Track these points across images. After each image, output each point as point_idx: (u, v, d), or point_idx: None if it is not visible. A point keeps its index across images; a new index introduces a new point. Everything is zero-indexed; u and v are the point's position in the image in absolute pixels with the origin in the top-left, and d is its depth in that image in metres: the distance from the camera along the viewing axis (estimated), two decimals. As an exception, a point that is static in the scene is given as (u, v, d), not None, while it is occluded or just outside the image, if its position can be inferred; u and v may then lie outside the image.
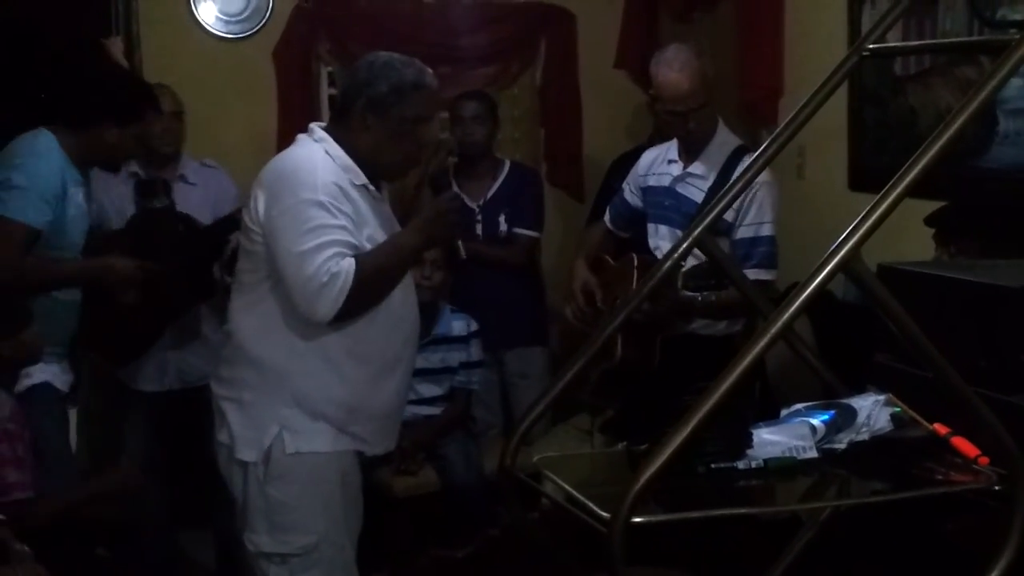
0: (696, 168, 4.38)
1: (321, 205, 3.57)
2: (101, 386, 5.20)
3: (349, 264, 3.55)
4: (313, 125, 3.82)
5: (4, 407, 3.91)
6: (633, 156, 5.41)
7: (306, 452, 3.72)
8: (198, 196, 5.02)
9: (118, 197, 4.98)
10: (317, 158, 3.68)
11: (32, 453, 4.02)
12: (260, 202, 3.66)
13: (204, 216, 4.88)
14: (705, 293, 4.18)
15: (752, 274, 4.05)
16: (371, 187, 3.75)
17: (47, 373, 4.37)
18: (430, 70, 3.81)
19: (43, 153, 4.27)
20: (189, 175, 5.11)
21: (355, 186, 3.69)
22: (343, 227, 3.59)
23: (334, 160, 3.68)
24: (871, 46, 2.66)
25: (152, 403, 5.03)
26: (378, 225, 3.76)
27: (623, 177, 4.90)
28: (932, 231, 4.00)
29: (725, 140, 4.41)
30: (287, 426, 3.70)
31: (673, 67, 4.34)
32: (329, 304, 3.55)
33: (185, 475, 5.22)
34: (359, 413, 3.78)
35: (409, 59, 3.78)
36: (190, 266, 4.70)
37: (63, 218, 4.29)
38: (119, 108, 4.41)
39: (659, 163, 4.59)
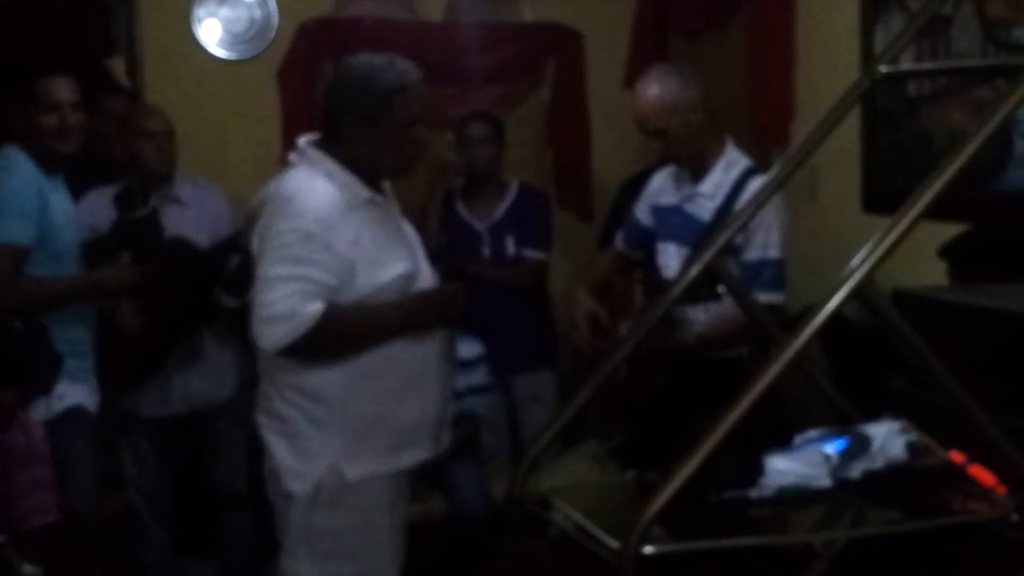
0: (704, 188, 4.37)
1: (307, 236, 3.52)
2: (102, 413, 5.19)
3: (315, 310, 3.51)
4: (304, 145, 3.73)
5: (36, 431, 3.90)
6: (642, 179, 5.39)
7: (365, 478, 3.67)
8: (193, 217, 4.93)
9: (111, 219, 4.92)
10: (316, 182, 3.62)
11: (56, 477, 4.01)
12: (262, 228, 3.64)
13: (201, 237, 4.80)
14: (699, 331, 4.19)
15: (760, 297, 4.04)
16: (377, 198, 3.70)
17: (78, 395, 4.34)
18: (411, 65, 3.72)
19: (12, 167, 4.24)
20: (184, 196, 5.01)
21: (359, 202, 3.64)
22: (323, 264, 3.53)
23: (333, 181, 3.63)
24: (884, 69, 2.64)
25: (156, 429, 4.99)
26: (386, 236, 3.70)
27: (633, 200, 4.89)
28: (946, 262, 3.95)
29: (733, 161, 4.38)
30: (344, 454, 3.65)
31: (640, 89, 4.39)
32: (274, 338, 3.52)
33: (189, 503, 5.20)
34: (399, 426, 3.72)
35: (387, 61, 3.68)
36: (191, 290, 4.67)
37: (51, 227, 4.27)
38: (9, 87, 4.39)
39: (669, 182, 4.58)
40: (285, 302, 3.48)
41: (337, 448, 3.66)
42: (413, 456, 3.78)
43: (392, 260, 3.68)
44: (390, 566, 3.83)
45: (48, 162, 4.32)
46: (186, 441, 5.06)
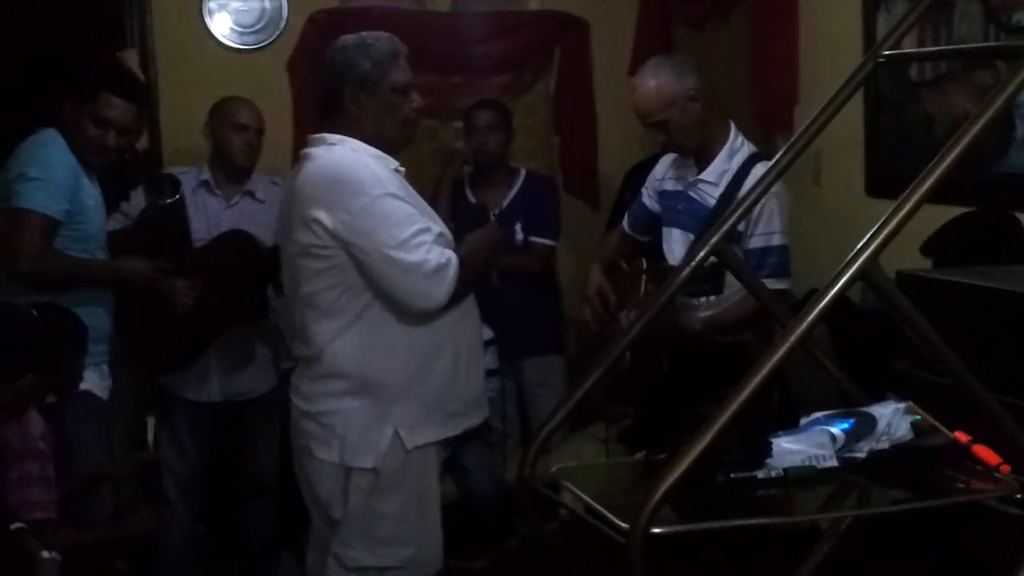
0: (708, 175, 4.40)
1: (395, 196, 3.67)
2: (137, 392, 5.25)
3: (452, 254, 3.70)
4: (317, 136, 3.85)
5: (37, 426, 3.93)
6: (648, 165, 5.43)
7: (424, 445, 3.80)
8: (265, 213, 4.98)
9: (207, 210, 5.01)
10: (351, 157, 3.74)
11: (61, 466, 4.04)
12: (322, 215, 3.66)
13: (268, 234, 4.86)
14: (705, 315, 4.23)
15: (765, 283, 4.06)
16: (401, 169, 3.85)
17: (88, 380, 4.39)
18: (397, 39, 3.91)
19: (50, 144, 4.37)
20: (258, 192, 5.08)
21: (389, 171, 3.78)
22: (418, 211, 3.73)
23: (359, 153, 3.74)
24: (886, 52, 2.65)
25: (193, 414, 5.03)
26: (417, 200, 3.85)
27: (638, 186, 4.92)
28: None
29: (737, 147, 4.40)
30: (403, 424, 3.76)
31: (638, 83, 4.45)
32: (445, 289, 3.68)
33: (218, 490, 5.24)
34: (453, 395, 3.87)
35: (376, 33, 3.89)
36: (247, 283, 4.71)
37: (82, 208, 4.37)
38: (76, 82, 4.45)
39: (675, 168, 4.61)
40: (433, 254, 3.66)
41: (396, 418, 3.75)
42: (463, 423, 3.95)
43: (430, 219, 3.83)
44: (439, 549, 3.95)
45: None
46: (220, 430, 5.10)
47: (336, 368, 3.78)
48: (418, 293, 3.67)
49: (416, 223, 3.66)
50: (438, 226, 3.82)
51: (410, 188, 3.85)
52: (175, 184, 4.90)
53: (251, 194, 5.05)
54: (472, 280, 3.84)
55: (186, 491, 5.09)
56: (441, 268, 3.65)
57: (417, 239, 3.64)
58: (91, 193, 4.45)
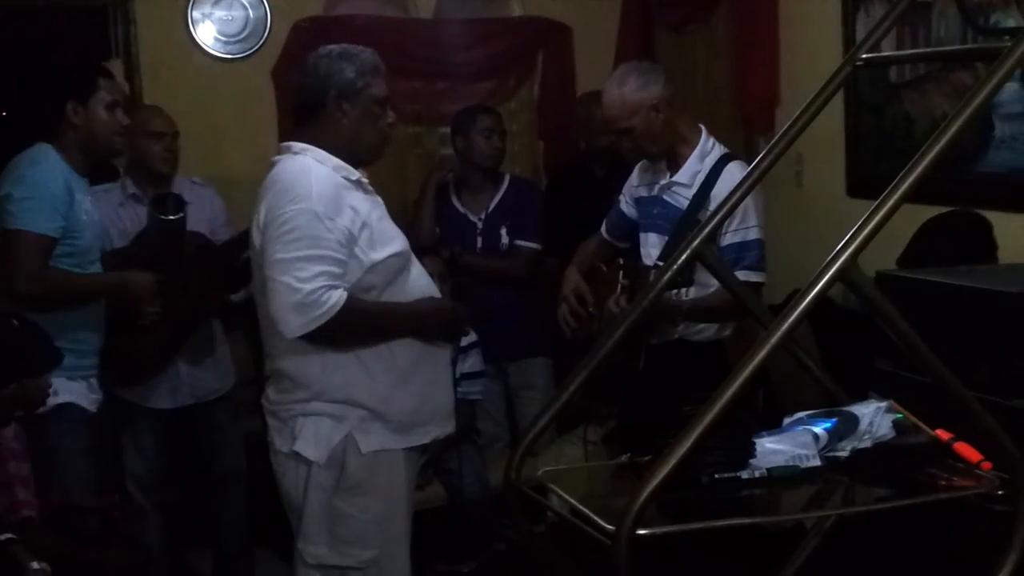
0: (680, 177, 4.46)
1: (315, 216, 3.58)
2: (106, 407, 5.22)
3: (340, 297, 3.58)
4: (286, 144, 3.84)
5: (9, 427, 3.92)
6: (570, 174, 5.61)
7: (380, 451, 3.75)
8: (193, 214, 4.97)
9: (118, 218, 4.98)
10: (310, 167, 3.70)
11: (44, 472, 4.04)
12: (259, 220, 3.70)
13: (203, 231, 4.92)
14: (682, 293, 4.26)
15: (742, 276, 4.11)
16: (364, 180, 3.80)
17: (72, 392, 4.38)
18: (377, 54, 3.90)
19: (43, 162, 4.33)
20: (184, 194, 5.09)
21: (350, 183, 3.73)
22: (336, 242, 3.60)
23: (324, 164, 3.71)
24: (864, 55, 2.67)
25: (162, 420, 5.03)
26: (376, 219, 3.77)
27: (564, 194, 4.98)
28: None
29: (708, 150, 4.46)
30: (357, 427, 3.73)
31: (605, 90, 4.53)
32: (302, 323, 3.57)
33: (187, 491, 5.25)
34: (411, 409, 3.81)
35: (358, 46, 3.87)
36: (206, 284, 4.73)
37: (76, 223, 4.34)
38: (73, 82, 4.45)
39: (649, 173, 4.65)
40: (313, 286, 3.54)
41: (349, 422, 3.72)
42: (429, 433, 3.87)
43: (389, 239, 3.77)
44: (406, 559, 3.90)
45: (80, 162, 4.40)
46: (184, 430, 5.10)
47: (294, 379, 3.78)
48: (279, 315, 3.60)
49: (318, 248, 3.57)
50: (391, 246, 3.76)
51: (375, 199, 3.82)
52: (179, 202, 4.89)
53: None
54: (360, 334, 3.72)
55: (150, 492, 5.07)
56: (314, 302, 3.54)
57: (307, 265, 3.55)
58: (85, 207, 4.42)
